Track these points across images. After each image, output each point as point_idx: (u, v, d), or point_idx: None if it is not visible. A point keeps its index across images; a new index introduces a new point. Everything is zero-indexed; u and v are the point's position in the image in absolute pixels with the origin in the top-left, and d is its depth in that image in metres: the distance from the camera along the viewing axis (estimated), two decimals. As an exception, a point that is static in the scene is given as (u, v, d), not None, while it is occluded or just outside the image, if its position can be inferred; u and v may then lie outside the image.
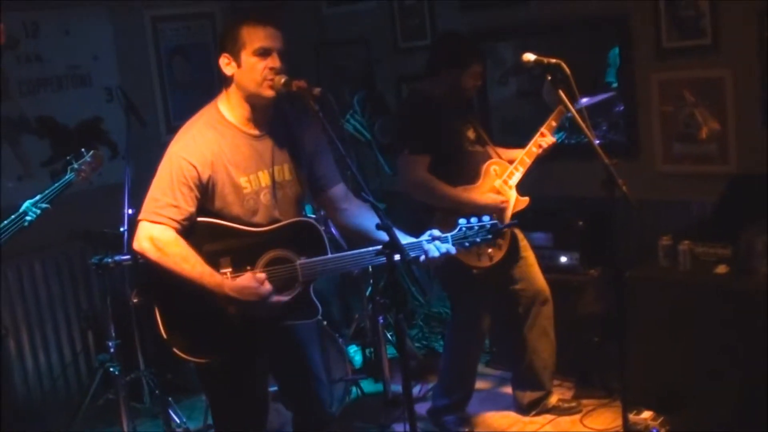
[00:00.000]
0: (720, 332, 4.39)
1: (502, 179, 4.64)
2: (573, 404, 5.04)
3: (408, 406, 3.17)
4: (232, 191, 3.35)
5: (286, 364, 3.64)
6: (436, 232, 3.38)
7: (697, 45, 4.94)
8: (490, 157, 4.70)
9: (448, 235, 3.41)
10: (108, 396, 5.24)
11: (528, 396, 5.01)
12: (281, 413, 4.41)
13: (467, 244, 3.44)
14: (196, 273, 3.23)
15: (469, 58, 4.60)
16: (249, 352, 3.47)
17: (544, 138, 4.66)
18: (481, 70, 4.68)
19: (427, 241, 3.35)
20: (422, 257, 3.35)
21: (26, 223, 4.33)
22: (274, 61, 3.29)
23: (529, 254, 4.90)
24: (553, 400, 5.03)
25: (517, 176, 4.66)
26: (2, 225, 4.27)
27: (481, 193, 4.58)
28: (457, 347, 4.96)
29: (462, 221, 3.44)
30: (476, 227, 3.42)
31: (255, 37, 3.29)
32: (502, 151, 4.80)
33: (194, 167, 3.28)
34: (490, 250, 4.54)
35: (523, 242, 4.89)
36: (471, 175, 4.63)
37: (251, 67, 3.30)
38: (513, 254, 4.78)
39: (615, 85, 5.39)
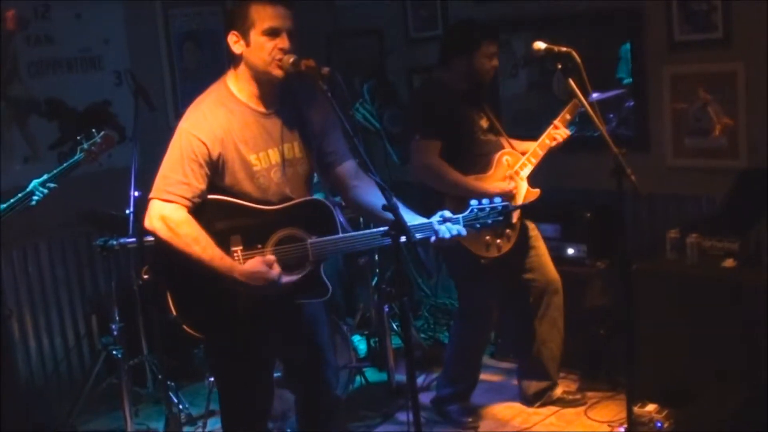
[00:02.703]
0: (726, 326, 4.37)
1: (514, 170, 4.62)
2: (578, 396, 5.02)
3: (412, 393, 3.15)
4: (242, 168, 3.33)
5: (294, 343, 3.61)
6: (448, 213, 3.33)
7: (709, 39, 4.93)
8: (502, 147, 4.69)
9: (460, 216, 3.36)
10: (111, 380, 5.24)
11: (534, 386, 4.99)
12: (284, 399, 4.40)
13: (478, 225, 3.38)
14: (206, 255, 3.22)
15: (478, 40, 4.56)
16: (260, 331, 3.44)
17: (558, 131, 4.63)
18: (495, 50, 4.62)
19: (438, 222, 3.31)
20: (432, 238, 3.30)
21: (33, 202, 4.34)
22: (283, 41, 3.27)
23: (540, 244, 4.88)
24: (558, 391, 5.01)
25: (529, 168, 4.64)
26: (9, 203, 4.27)
27: (492, 182, 4.57)
28: (463, 337, 4.94)
29: (474, 202, 3.39)
30: (488, 209, 3.37)
31: (265, 15, 3.26)
32: (515, 142, 4.78)
33: (204, 144, 3.26)
34: (498, 241, 4.53)
35: (534, 232, 4.87)
36: (482, 165, 4.61)
37: (260, 46, 3.27)
38: (523, 244, 4.77)
39: (626, 81, 5.36)
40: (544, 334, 4.89)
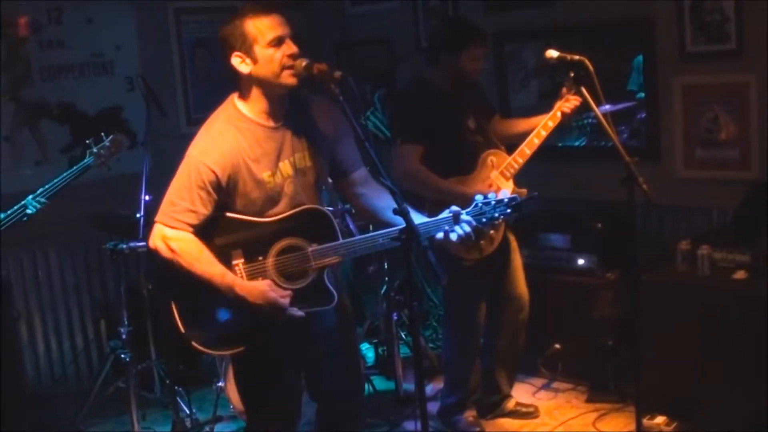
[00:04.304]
0: (737, 338, 4.34)
1: (500, 170, 4.56)
2: (531, 409, 5.02)
3: (420, 401, 3.14)
4: (256, 187, 3.31)
5: (317, 351, 3.54)
6: (455, 208, 3.31)
7: (722, 50, 4.91)
8: (489, 148, 4.64)
9: (464, 211, 3.33)
10: (118, 384, 5.23)
11: (486, 398, 4.98)
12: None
13: (484, 220, 3.35)
14: (207, 273, 3.23)
15: (465, 41, 4.50)
16: (278, 341, 3.39)
17: (557, 116, 4.50)
18: (481, 52, 4.57)
19: (447, 217, 3.28)
20: (440, 235, 3.28)
21: (25, 218, 4.31)
22: (290, 47, 3.24)
23: (516, 257, 4.84)
24: (511, 404, 5.01)
25: (515, 167, 4.55)
26: (5, 215, 4.26)
27: (473, 184, 4.49)
28: (453, 342, 4.89)
29: (479, 197, 3.36)
30: (493, 202, 3.35)
31: (264, 28, 3.23)
32: (519, 122, 4.75)
33: (213, 172, 3.24)
34: (482, 242, 4.46)
35: (514, 245, 4.84)
36: (468, 165, 4.54)
37: (269, 59, 3.23)
38: (504, 252, 4.73)
39: (639, 95, 5.34)
40: (503, 346, 4.88)
